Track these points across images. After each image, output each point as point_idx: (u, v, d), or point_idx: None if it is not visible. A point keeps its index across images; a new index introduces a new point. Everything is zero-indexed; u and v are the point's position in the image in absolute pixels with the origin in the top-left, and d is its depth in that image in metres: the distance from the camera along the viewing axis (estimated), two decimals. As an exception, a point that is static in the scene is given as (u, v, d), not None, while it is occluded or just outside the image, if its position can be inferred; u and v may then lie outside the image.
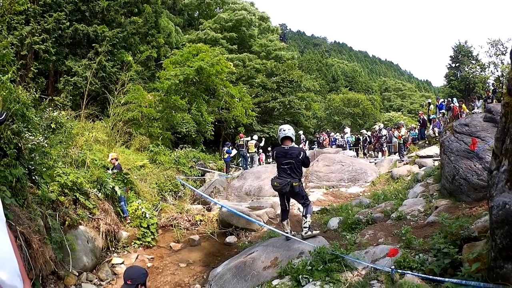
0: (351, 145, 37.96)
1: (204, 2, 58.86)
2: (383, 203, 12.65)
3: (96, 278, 9.87)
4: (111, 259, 11.01)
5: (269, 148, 40.61)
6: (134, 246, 12.17)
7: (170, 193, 18.91)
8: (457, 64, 60.68)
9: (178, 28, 50.21)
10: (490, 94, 26.32)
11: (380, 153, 29.55)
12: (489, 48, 44.91)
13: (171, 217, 14.68)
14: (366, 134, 35.38)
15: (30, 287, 2.72)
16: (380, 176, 20.13)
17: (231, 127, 39.99)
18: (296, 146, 9.17)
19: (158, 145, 23.70)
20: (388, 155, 28.35)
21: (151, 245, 12.58)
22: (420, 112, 34.14)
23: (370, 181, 19.76)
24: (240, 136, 28.30)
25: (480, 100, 25.45)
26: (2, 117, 2.64)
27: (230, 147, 27.07)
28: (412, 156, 22.93)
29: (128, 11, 30.80)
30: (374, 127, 36.06)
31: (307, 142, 42.04)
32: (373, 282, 6.26)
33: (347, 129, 41.70)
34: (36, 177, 9.01)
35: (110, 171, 13.76)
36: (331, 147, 37.72)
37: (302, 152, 8.74)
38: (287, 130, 8.89)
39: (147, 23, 32.34)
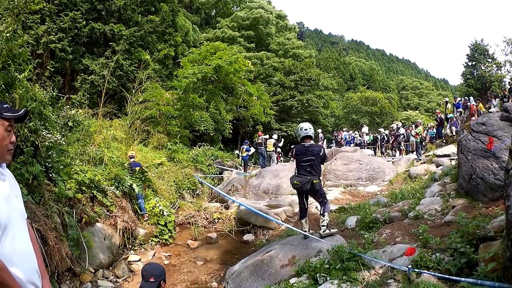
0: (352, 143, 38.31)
1: (221, 0, 59.07)
2: (401, 202, 12.57)
3: (113, 275, 9.91)
4: (128, 256, 11.07)
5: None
6: (151, 244, 12.24)
7: (188, 191, 18.97)
8: (473, 63, 60.21)
9: (195, 26, 50.44)
10: (506, 93, 26.10)
11: (397, 152, 29.44)
12: (505, 47, 44.61)
13: (188, 215, 14.75)
14: (384, 133, 35.20)
15: (48, 282, 2.78)
16: (398, 175, 20.02)
17: (249, 125, 40.03)
18: (315, 144, 9.12)
19: (176, 143, 23.75)
20: (406, 154, 28.25)
21: (168, 243, 12.65)
22: (437, 111, 33.99)
23: (387, 180, 19.65)
24: (259, 134, 28.31)
25: (497, 99, 25.24)
26: (21, 112, 2.65)
27: (249, 145, 27.02)
28: (429, 155, 22.78)
29: (145, 9, 30.99)
30: (391, 125, 35.92)
31: (325, 140, 41.89)
32: (390, 281, 6.24)
33: (365, 128, 41.63)
34: (53, 174, 9.04)
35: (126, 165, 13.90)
36: (349, 145, 37.68)
37: (322, 149, 8.73)
38: (308, 129, 8.85)
39: (164, 22, 32.48)
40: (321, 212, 8.77)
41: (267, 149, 26.23)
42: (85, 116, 14.93)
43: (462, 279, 5.32)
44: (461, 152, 11.18)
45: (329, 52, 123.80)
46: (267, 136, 27.89)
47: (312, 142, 8.88)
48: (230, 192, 19.11)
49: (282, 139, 33.68)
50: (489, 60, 56.04)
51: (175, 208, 15.40)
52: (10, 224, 2.41)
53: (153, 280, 4.57)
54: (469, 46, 61.33)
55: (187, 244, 12.73)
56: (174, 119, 26.55)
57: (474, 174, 9.78)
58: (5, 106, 2.56)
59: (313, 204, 13.11)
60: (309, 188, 8.45)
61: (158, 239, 12.53)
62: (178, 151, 22.60)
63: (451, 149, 20.70)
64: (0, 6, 18.87)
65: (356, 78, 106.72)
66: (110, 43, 27.16)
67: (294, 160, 9.09)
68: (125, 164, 13.91)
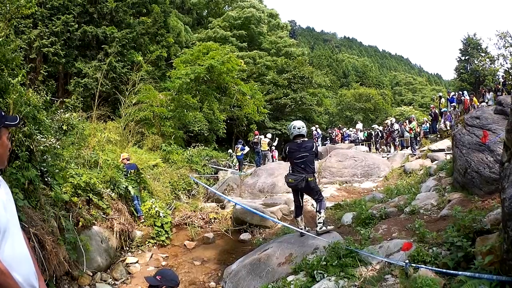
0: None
1: (213, 0, 59.21)
2: (396, 198, 12.61)
3: (111, 278, 9.89)
4: (126, 259, 11.04)
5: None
6: (148, 245, 12.20)
7: (184, 191, 18.98)
8: (466, 57, 60.42)
9: (187, 27, 50.44)
10: (499, 86, 26.21)
11: (392, 148, 29.49)
12: (498, 40, 44.71)
13: (185, 215, 14.71)
14: (378, 129, 35.24)
15: (44, 284, 2.81)
16: (393, 171, 20.06)
17: (243, 124, 40.06)
18: (308, 139, 9.12)
19: (170, 144, 23.73)
20: (401, 150, 28.31)
21: (166, 244, 12.61)
22: (431, 105, 34.07)
23: (383, 176, 19.70)
24: (255, 133, 28.37)
25: (491, 93, 25.34)
26: (19, 120, 2.72)
27: (243, 145, 27.01)
28: (424, 150, 22.83)
29: (136, 11, 30.99)
30: (386, 121, 35.97)
31: (320, 138, 41.74)
32: (388, 277, 6.24)
33: (359, 125, 41.66)
34: (49, 178, 9.03)
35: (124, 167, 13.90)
36: (343, 142, 37.73)
37: (314, 144, 8.74)
38: (302, 128, 8.87)
39: (156, 23, 32.46)
40: (317, 209, 8.80)
41: (262, 149, 26.26)
42: (79, 119, 14.86)
43: (460, 272, 5.32)
44: (455, 146, 11.23)
45: (321, 49, 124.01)
46: (262, 136, 27.94)
47: (304, 139, 8.90)
48: (226, 191, 19.09)
49: (277, 138, 33.68)
50: (482, 54, 56.23)
51: (171, 209, 15.36)
52: (9, 229, 2.44)
53: (159, 278, 4.62)
54: (462, 41, 61.63)
55: (184, 245, 12.72)
56: (168, 120, 26.56)
57: (469, 168, 9.82)
58: (3, 114, 2.61)
59: (309, 202, 13.13)
60: (304, 186, 8.47)
61: (155, 241, 12.49)
62: (172, 152, 22.58)
63: (446, 143, 20.76)
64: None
65: (349, 75, 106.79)
66: (102, 46, 27.20)
67: (288, 160, 9.07)
68: (121, 167, 13.87)
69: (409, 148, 26.18)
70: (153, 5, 32.34)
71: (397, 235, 8.32)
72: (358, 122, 45.43)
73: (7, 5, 9.08)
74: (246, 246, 11.91)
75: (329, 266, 6.93)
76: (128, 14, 29.33)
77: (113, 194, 11.94)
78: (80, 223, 9.65)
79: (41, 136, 8.72)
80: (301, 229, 8.95)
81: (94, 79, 25.00)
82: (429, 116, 31.58)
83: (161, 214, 13.29)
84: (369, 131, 38.18)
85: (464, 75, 58.53)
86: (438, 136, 27.13)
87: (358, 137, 38.00)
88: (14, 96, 7.98)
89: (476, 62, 56.28)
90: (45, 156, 8.93)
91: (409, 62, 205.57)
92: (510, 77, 35.41)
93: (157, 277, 4.71)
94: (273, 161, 27.82)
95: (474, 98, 25.97)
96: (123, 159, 14.44)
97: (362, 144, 35.19)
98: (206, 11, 62.58)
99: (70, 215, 9.36)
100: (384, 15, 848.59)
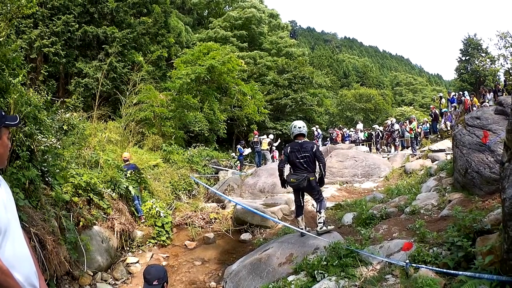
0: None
1: (213, 1, 59.14)
2: (397, 198, 12.63)
3: (111, 278, 9.88)
4: (126, 259, 11.01)
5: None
6: (149, 245, 12.17)
7: (184, 191, 18.97)
8: (467, 57, 60.50)
9: (188, 27, 50.44)
10: (500, 87, 26.21)
11: (392, 148, 29.47)
12: (498, 41, 44.75)
13: (185, 215, 14.68)
14: (378, 129, 35.24)
15: (44, 283, 2.80)
16: (393, 171, 20.10)
17: (244, 125, 40.02)
18: (308, 141, 9.14)
19: (171, 144, 23.74)
20: (401, 150, 28.30)
21: (166, 244, 12.59)
22: (431, 106, 34.06)
23: (383, 176, 19.73)
24: (255, 133, 28.31)
25: (491, 93, 25.35)
26: (19, 119, 2.72)
27: (243, 147, 27.02)
28: (424, 150, 22.84)
29: (137, 11, 30.93)
30: (386, 122, 35.95)
31: (321, 138, 41.71)
32: (388, 277, 6.26)
33: (360, 125, 41.63)
34: (50, 178, 9.02)
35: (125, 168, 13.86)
36: (343, 143, 37.72)
37: (315, 145, 8.74)
38: (302, 127, 8.92)
39: (157, 23, 32.46)
40: (318, 209, 8.83)
41: (262, 148, 26.23)
42: (80, 119, 14.82)
43: (460, 272, 5.33)
44: (456, 147, 11.24)
45: (322, 50, 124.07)
46: (264, 136, 27.94)
47: (305, 139, 8.92)
48: (226, 191, 19.08)
49: (279, 139, 33.73)
50: (483, 54, 56.31)
51: (171, 209, 15.37)
52: (9, 229, 2.44)
53: (156, 283, 4.54)
54: (463, 41, 61.74)
55: (185, 245, 12.70)
56: (168, 120, 26.54)
57: (469, 168, 9.83)
58: (3, 114, 2.60)
59: (309, 202, 13.13)
60: (306, 185, 8.51)
61: (156, 241, 12.47)
62: (173, 152, 22.57)
63: (446, 143, 20.76)
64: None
65: (350, 75, 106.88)
66: (103, 46, 27.20)
67: (289, 161, 9.05)
68: (121, 166, 13.86)
69: (410, 148, 26.20)
70: (153, 5, 32.32)
71: (397, 235, 8.34)
72: (359, 122, 45.38)
73: (8, 5, 9.07)
74: (247, 246, 11.91)
75: (329, 266, 6.94)
76: (128, 14, 29.31)
77: (114, 194, 11.91)
78: (81, 223, 9.64)
79: (42, 136, 8.71)
80: (302, 229, 8.96)
81: (95, 79, 25.00)
82: (430, 117, 31.56)
83: (161, 214, 13.26)
84: (369, 132, 38.19)
85: (464, 75, 58.61)
86: (439, 136, 27.12)
87: (358, 137, 37.97)
88: (15, 96, 7.96)
89: (476, 62, 56.34)
90: (45, 156, 8.93)
91: (409, 63, 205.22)
92: (511, 77, 35.42)
93: (154, 283, 4.66)
94: (273, 161, 27.82)
95: (475, 99, 25.96)
96: (122, 158, 14.45)
97: (363, 145, 35.14)
98: (206, 11, 62.58)
99: (71, 215, 9.35)
100: (384, 15, 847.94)
